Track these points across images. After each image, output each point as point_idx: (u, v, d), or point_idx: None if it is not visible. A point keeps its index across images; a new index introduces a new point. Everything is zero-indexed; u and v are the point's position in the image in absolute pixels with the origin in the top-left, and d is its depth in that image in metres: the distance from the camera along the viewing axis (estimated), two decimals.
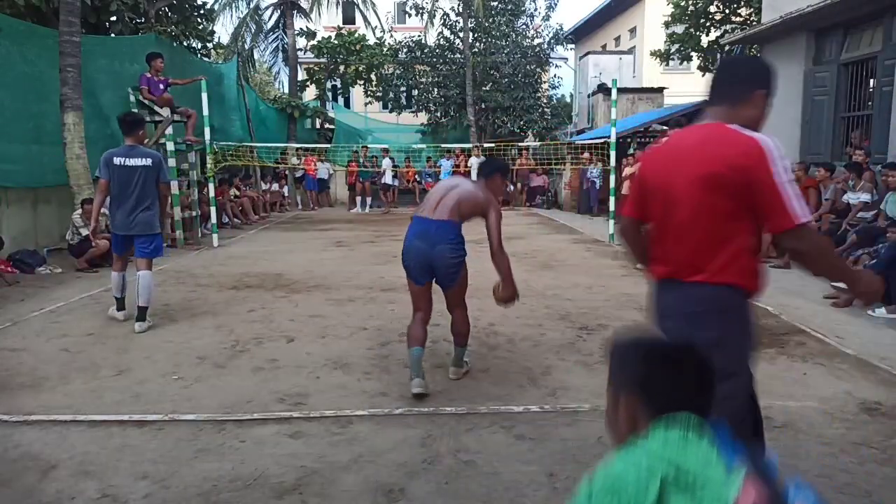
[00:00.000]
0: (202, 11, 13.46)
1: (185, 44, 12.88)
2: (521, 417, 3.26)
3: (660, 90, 18.75)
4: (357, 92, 23.61)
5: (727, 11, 15.25)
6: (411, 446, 2.94)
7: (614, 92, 10.08)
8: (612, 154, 10.33)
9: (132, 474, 2.69)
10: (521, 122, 20.21)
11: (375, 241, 10.57)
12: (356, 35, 21.28)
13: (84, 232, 7.69)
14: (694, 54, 16.42)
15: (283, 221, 14.72)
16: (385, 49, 21.30)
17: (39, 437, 3.07)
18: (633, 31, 25.40)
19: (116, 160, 5.13)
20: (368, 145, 18.37)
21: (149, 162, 5.18)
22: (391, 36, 21.78)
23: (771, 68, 2.07)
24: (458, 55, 20.33)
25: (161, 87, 9.63)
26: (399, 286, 6.65)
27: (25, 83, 8.43)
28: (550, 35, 21.43)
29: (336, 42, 20.86)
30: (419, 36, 20.99)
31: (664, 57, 17.08)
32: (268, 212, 15.97)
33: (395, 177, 17.87)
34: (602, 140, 13.47)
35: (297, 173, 18.31)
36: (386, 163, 16.98)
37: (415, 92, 21.57)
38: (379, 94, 22.11)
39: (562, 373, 3.93)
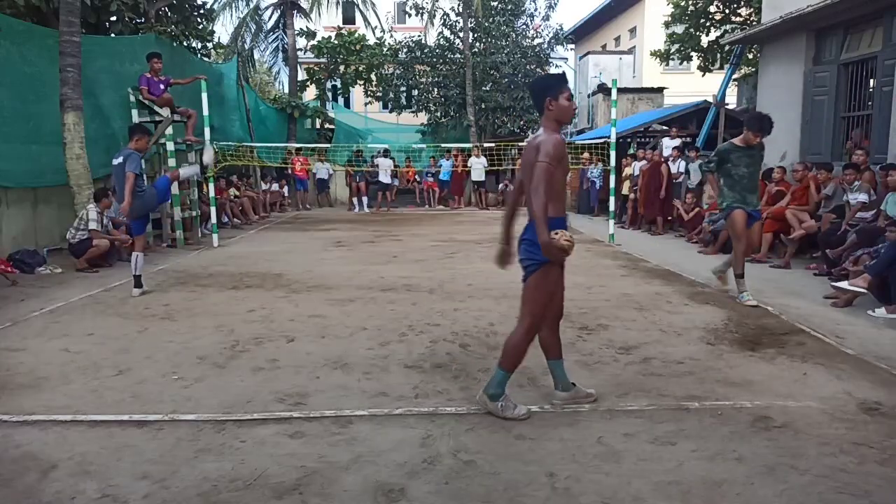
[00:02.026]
0: (202, 11, 13.46)
1: (185, 44, 12.87)
2: (521, 417, 3.26)
3: (660, 90, 18.77)
4: (357, 92, 23.59)
5: (727, 11, 15.25)
6: (411, 446, 2.94)
7: (614, 92, 10.08)
8: (612, 154, 10.33)
9: (132, 474, 2.69)
10: (521, 122, 20.21)
11: (375, 241, 10.57)
12: (356, 35, 21.28)
13: (93, 226, 7.69)
14: (694, 54, 16.42)
15: (283, 221, 14.72)
16: (385, 49, 21.30)
17: (39, 437, 3.07)
18: (633, 31, 25.42)
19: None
20: (367, 145, 18.39)
21: (121, 159, 6.24)
22: (391, 36, 21.78)
23: None
24: (458, 55, 20.33)
25: (161, 87, 9.64)
26: (399, 286, 6.66)
27: (25, 83, 8.43)
28: (550, 35, 21.43)
29: (336, 42, 20.86)
30: (419, 36, 20.98)
31: (664, 57, 17.08)
32: (268, 212, 15.97)
33: (394, 176, 17.87)
34: (602, 140, 13.47)
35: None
36: (383, 162, 16.97)
37: (415, 92, 21.55)
38: (379, 94, 22.11)
39: None
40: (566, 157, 3.16)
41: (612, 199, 10.55)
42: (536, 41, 21.19)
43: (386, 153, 17.44)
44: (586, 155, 15.22)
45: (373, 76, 21.58)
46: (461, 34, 19.96)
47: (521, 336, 3.19)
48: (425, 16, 20.42)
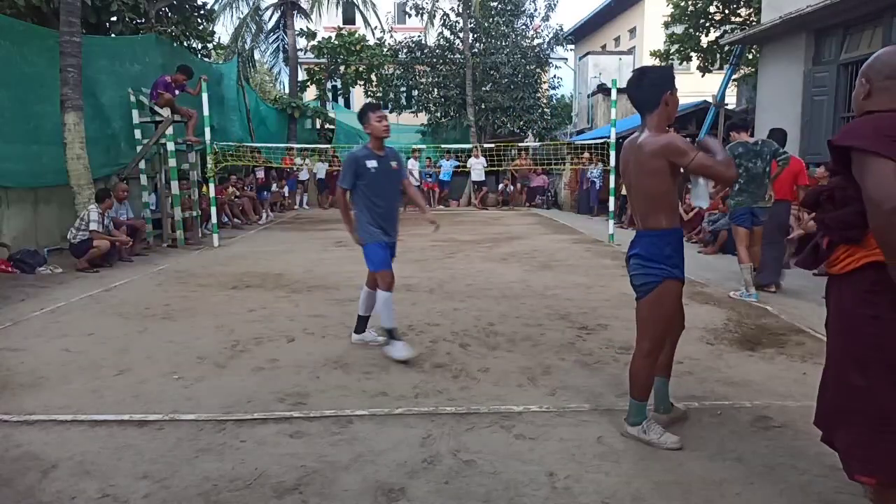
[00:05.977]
0: (202, 12, 13.48)
1: (185, 44, 12.89)
2: (521, 417, 3.26)
3: None
4: (357, 92, 23.59)
5: (727, 11, 15.25)
6: (411, 446, 2.95)
7: (614, 92, 10.09)
8: (612, 154, 10.33)
9: (132, 474, 2.70)
10: (521, 123, 20.22)
11: None
12: (356, 35, 21.30)
13: (94, 226, 7.66)
14: (694, 54, 16.42)
15: (283, 221, 14.72)
16: (385, 49, 21.31)
17: (40, 437, 3.07)
18: (632, 31, 25.40)
19: (391, 163, 4.33)
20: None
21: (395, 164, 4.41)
22: (391, 36, 21.79)
23: None
24: (457, 55, 20.33)
25: (176, 92, 9.77)
26: (399, 286, 6.63)
27: (25, 83, 8.43)
28: (550, 35, 21.44)
29: (336, 42, 20.87)
30: (419, 36, 20.98)
31: (664, 57, 17.07)
32: (268, 212, 15.97)
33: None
34: (602, 140, 13.47)
35: (302, 175, 18.35)
36: (414, 163, 16.96)
37: (415, 92, 21.55)
38: (379, 94, 22.11)
39: (562, 373, 3.92)
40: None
41: (611, 199, 10.55)
42: (536, 41, 21.20)
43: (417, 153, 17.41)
44: (586, 155, 15.22)
45: (373, 76, 21.59)
46: (461, 34, 19.97)
47: (640, 362, 2.88)
48: (425, 16, 20.43)
